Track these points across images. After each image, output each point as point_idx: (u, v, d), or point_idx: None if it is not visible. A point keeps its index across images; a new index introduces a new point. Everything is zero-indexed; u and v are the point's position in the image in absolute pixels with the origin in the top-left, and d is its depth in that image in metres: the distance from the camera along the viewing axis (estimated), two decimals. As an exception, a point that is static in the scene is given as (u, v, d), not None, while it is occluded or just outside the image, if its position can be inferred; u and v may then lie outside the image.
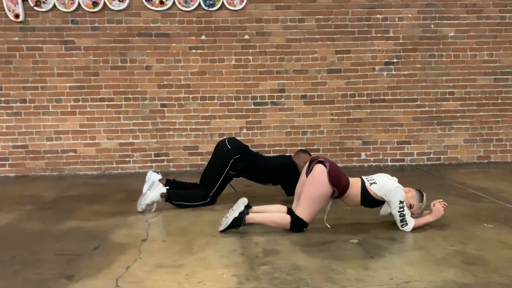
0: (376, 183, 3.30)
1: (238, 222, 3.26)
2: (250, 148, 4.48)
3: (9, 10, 5.57)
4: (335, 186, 3.19)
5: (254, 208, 3.38)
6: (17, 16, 5.59)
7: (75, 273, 2.64)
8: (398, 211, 3.24)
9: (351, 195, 3.31)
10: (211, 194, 4.14)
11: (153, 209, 3.99)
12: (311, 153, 4.39)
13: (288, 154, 4.75)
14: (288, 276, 2.54)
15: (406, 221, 3.27)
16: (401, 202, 3.23)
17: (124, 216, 3.84)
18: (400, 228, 3.29)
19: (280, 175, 4.22)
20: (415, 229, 3.28)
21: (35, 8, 5.63)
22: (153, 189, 4.02)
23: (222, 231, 3.30)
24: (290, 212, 3.34)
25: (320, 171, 3.20)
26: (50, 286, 2.47)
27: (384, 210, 3.33)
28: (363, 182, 3.33)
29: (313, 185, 3.19)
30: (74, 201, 4.43)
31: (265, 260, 2.79)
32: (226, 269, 2.66)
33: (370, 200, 3.30)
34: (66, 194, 4.77)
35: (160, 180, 4.14)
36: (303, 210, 3.24)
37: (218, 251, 2.96)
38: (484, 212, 3.77)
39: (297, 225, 3.24)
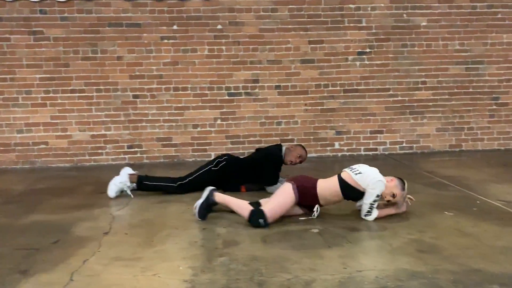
0: (361, 173, 3.32)
1: (208, 201, 3.36)
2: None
3: (-26, 0, 5.45)
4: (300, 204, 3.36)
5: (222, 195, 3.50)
6: (-18, 6, 5.46)
7: (30, 267, 2.62)
8: (370, 203, 3.28)
9: (330, 197, 3.35)
10: (184, 181, 4.20)
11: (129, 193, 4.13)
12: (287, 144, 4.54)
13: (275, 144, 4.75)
14: (243, 267, 2.56)
15: (371, 213, 3.32)
16: (378, 196, 3.27)
17: (90, 209, 3.82)
18: (363, 217, 3.33)
19: (261, 164, 4.26)
20: (377, 219, 3.32)
21: (1, -3, 5.51)
22: (121, 172, 4.22)
23: (202, 219, 3.36)
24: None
25: (288, 188, 3.35)
26: (1, 281, 2.45)
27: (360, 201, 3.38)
28: (341, 177, 3.34)
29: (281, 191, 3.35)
30: (41, 194, 4.39)
31: (223, 251, 2.81)
32: (183, 261, 2.67)
33: (351, 193, 3.33)
34: (35, 187, 4.72)
35: (131, 175, 4.23)
36: (269, 204, 3.30)
37: (178, 244, 2.96)
38: (447, 201, 3.84)
39: (256, 216, 3.22)
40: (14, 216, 3.65)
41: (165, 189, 4.24)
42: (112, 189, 4.14)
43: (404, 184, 3.40)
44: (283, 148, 4.41)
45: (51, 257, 2.78)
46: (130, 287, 2.37)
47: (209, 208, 3.44)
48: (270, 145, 4.81)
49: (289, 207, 3.33)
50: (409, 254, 2.70)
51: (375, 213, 3.33)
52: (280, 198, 3.32)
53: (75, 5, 5.63)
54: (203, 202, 3.40)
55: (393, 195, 3.33)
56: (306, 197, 3.33)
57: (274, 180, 4.26)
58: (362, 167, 3.40)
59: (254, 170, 4.28)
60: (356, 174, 3.32)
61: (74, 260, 2.72)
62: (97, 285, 2.41)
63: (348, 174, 3.35)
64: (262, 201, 3.46)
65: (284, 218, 3.36)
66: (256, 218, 3.22)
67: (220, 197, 3.44)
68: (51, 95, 5.74)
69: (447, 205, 3.68)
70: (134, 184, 4.21)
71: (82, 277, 2.50)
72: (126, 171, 4.26)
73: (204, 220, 3.38)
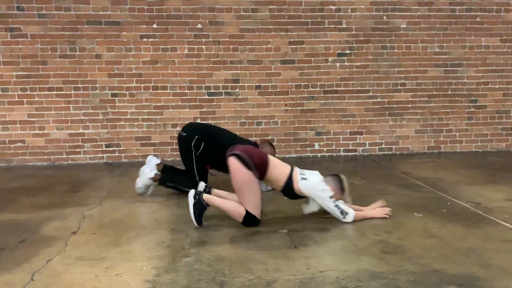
0: (306, 180, 3.27)
1: (200, 206, 3.21)
2: (210, 124, 4.57)
3: (-50, -5, 5.37)
4: (250, 169, 3.16)
5: (217, 191, 3.45)
6: (-42, 1, 5.39)
7: (-8, 267, 2.59)
8: (334, 206, 3.25)
9: (273, 178, 3.28)
10: (197, 178, 4.11)
11: (149, 192, 4.12)
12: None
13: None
14: (207, 268, 2.56)
15: (345, 211, 3.27)
16: (331, 197, 3.25)
17: (61, 208, 3.78)
18: (343, 220, 3.27)
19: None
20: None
21: (-22, -7, 5.44)
22: (141, 174, 4.20)
23: (198, 223, 3.23)
24: None
25: (232, 162, 3.20)
26: (-40, 281, 2.42)
27: (310, 208, 3.34)
28: (292, 173, 3.31)
29: (234, 177, 3.19)
30: (14, 193, 4.34)
31: (189, 252, 2.80)
32: (148, 261, 2.66)
33: (290, 192, 3.31)
34: (8, 186, 4.67)
35: (157, 165, 4.26)
36: (245, 204, 3.22)
37: (145, 244, 2.95)
38: (419, 202, 3.87)
39: (248, 220, 3.21)
40: (-18, 215, 3.61)
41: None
42: (140, 187, 4.16)
43: (340, 180, 3.36)
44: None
45: (15, 257, 2.75)
46: (91, 287, 2.35)
47: (203, 212, 3.27)
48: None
49: (259, 189, 3.25)
50: (373, 255, 2.71)
51: (351, 212, 3.28)
52: (250, 191, 3.18)
53: (53, 2, 5.58)
54: (196, 208, 3.21)
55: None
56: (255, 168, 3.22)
57: None
58: (311, 175, 3.32)
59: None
60: (301, 179, 3.27)
61: (38, 259, 2.70)
62: (58, 285, 2.38)
63: (296, 175, 3.29)
64: (217, 191, 3.42)
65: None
66: (252, 222, 3.20)
67: (211, 200, 3.27)
68: (28, 92, 5.68)
69: (418, 207, 3.71)
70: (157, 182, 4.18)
71: (43, 277, 2.47)
72: (154, 161, 4.27)
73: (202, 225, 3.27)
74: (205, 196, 3.27)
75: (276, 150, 4.50)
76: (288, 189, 3.30)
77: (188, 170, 4.21)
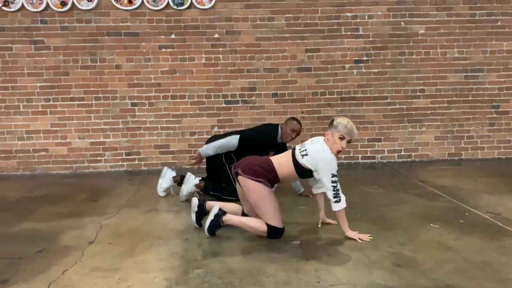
0: (307, 155, 3.17)
1: (217, 226, 3.26)
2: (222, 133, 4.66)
3: (-23, 11, 5.59)
4: (260, 181, 3.17)
5: (228, 207, 3.44)
6: (-15, 16, 5.60)
7: (11, 277, 2.68)
8: (332, 185, 3.12)
9: (286, 175, 3.26)
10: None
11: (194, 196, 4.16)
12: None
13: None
14: (218, 280, 2.58)
15: (339, 196, 3.16)
16: (333, 175, 3.11)
17: (80, 217, 3.88)
18: (334, 203, 3.15)
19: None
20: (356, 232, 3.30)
21: (4, 8, 5.64)
22: (186, 182, 4.33)
23: (211, 235, 3.29)
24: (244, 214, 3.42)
25: (242, 181, 3.21)
26: (-20, 290, 2.51)
27: (313, 182, 3.38)
28: (294, 156, 3.22)
29: (248, 194, 3.21)
30: (36, 202, 4.47)
31: (201, 263, 2.83)
32: (160, 272, 2.71)
33: (305, 173, 3.26)
34: (31, 194, 4.81)
35: (174, 177, 4.48)
36: (264, 219, 3.21)
37: (159, 254, 3.00)
38: (435, 212, 3.80)
39: (272, 233, 3.21)
40: (5, 224, 3.73)
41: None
42: (185, 195, 4.33)
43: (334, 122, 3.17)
44: (279, 128, 4.41)
45: (33, 267, 2.84)
46: (104, 298, 2.41)
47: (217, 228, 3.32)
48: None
49: (275, 201, 3.26)
50: (385, 268, 2.69)
51: (343, 201, 3.17)
52: (265, 204, 3.16)
53: (75, 15, 5.74)
54: (213, 224, 3.25)
55: (342, 148, 3.12)
56: (271, 178, 3.24)
57: None
58: (309, 146, 3.21)
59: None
60: (303, 156, 3.17)
61: (55, 270, 2.78)
62: (72, 296, 2.45)
63: (298, 156, 3.20)
64: (228, 207, 3.44)
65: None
66: (277, 234, 3.20)
67: (231, 221, 3.27)
68: (51, 103, 5.85)
69: (434, 217, 3.65)
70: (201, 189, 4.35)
71: (59, 287, 2.55)
72: (170, 174, 4.51)
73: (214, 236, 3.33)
74: (226, 217, 3.27)
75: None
76: (302, 173, 3.25)
77: (225, 182, 4.33)
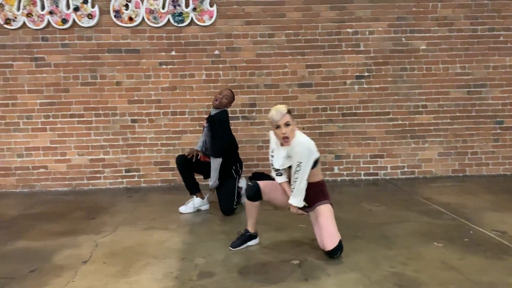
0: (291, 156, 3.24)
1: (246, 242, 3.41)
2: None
3: (-21, 28, 5.62)
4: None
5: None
6: (-13, 34, 5.63)
7: (0, 298, 2.61)
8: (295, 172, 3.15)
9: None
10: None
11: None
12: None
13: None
14: (212, 301, 2.50)
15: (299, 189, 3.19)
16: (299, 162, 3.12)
17: (76, 236, 3.81)
18: (291, 192, 3.20)
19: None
20: (357, 251, 3.21)
21: (5, 26, 5.67)
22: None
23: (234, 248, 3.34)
24: None
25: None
26: (-33, 312, 2.44)
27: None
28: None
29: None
30: (32, 220, 4.41)
31: (196, 284, 2.75)
32: (154, 293, 2.62)
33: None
34: (28, 212, 4.75)
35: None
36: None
37: (153, 274, 2.92)
38: (439, 230, 3.71)
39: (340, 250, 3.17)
40: (0, 242, 3.67)
41: None
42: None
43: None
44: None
45: (24, 287, 2.76)
46: (94, 320, 2.33)
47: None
48: None
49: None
50: (386, 289, 2.60)
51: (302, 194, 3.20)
52: (331, 219, 3.20)
53: (76, 32, 5.76)
54: (245, 242, 3.39)
55: (282, 134, 3.11)
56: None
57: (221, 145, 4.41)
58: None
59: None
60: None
61: (46, 290, 2.70)
62: (62, 318, 2.37)
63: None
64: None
65: (265, 249, 3.30)
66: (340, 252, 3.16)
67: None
68: (51, 119, 5.83)
69: (438, 235, 3.56)
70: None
71: (49, 309, 2.47)
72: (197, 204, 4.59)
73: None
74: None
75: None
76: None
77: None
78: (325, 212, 3.19)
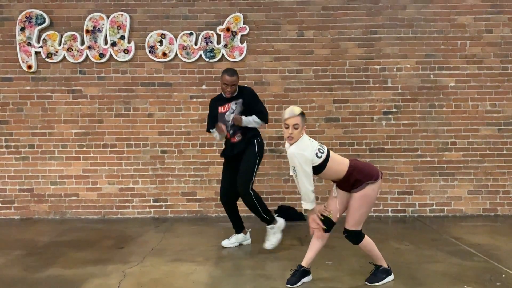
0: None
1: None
2: None
3: (23, 62, 5.96)
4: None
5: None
6: (29, 67, 5.96)
7: (32, 325, 2.68)
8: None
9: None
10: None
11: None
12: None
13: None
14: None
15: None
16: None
17: (105, 265, 3.89)
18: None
19: None
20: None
21: (47, 59, 5.99)
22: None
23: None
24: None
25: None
26: None
27: None
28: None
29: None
30: (64, 247, 4.53)
31: (222, 319, 2.76)
32: (180, 327, 2.65)
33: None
34: (60, 239, 4.88)
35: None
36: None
37: (180, 307, 2.95)
38: (470, 273, 3.61)
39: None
40: (31, 269, 3.78)
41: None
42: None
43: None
44: None
45: (55, 316, 2.83)
46: None
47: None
48: None
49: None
50: (415, 333, 2.54)
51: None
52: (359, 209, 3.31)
53: (112, 66, 6.02)
54: (300, 278, 3.36)
55: (289, 134, 3.34)
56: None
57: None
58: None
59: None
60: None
61: (75, 320, 2.76)
62: None
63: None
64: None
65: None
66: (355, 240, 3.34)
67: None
68: (84, 149, 6.05)
69: (469, 278, 3.47)
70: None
71: None
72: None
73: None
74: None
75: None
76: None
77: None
78: (354, 201, 3.30)
